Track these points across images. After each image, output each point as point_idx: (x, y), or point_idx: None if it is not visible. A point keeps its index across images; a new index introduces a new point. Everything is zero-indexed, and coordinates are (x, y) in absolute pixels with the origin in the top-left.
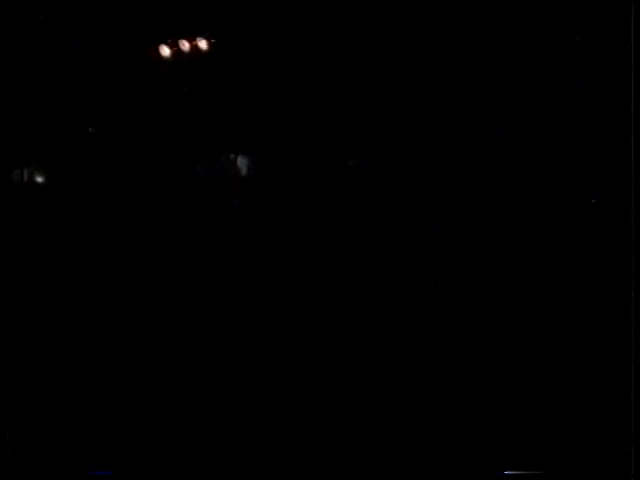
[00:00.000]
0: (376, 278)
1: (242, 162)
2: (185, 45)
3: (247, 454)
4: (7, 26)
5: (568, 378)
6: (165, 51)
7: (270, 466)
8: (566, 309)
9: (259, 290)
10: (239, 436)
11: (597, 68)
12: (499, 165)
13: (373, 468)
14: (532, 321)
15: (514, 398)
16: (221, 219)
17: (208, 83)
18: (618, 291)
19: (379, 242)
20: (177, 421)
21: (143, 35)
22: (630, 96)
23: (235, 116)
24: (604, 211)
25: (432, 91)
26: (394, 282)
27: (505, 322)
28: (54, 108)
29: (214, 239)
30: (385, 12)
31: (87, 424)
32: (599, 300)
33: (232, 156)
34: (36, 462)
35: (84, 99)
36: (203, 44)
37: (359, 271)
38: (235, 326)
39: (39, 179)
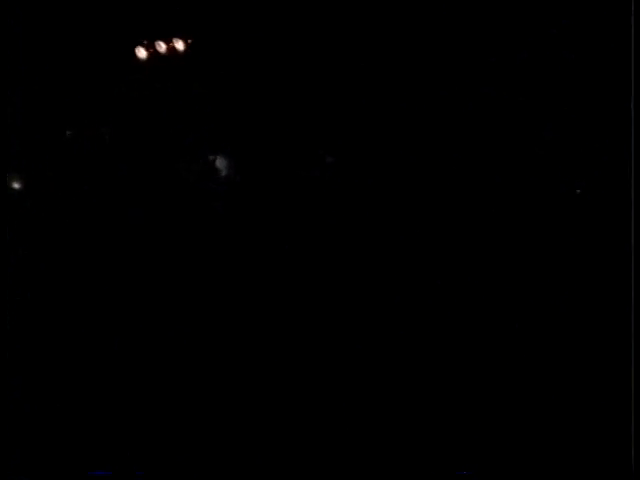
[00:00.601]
0: (363, 277)
1: (222, 163)
2: (162, 47)
3: (247, 454)
4: None
5: (567, 376)
6: (142, 53)
7: (270, 466)
8: (564, 306)
9: (251, 291)
10: (240, 436)
11: (595, 66)
12: (495, 163)
13: (373, 467)
14: (528, 316)
15: (513, 398)
16: (205, 220)
17: (186, 84)
18: (617, 288)
19: (367, 238)
20: (178, 422)
21: (119, 37)
22: (630, 96)
23: (214, 117)
24: (602, 207)
25: (419, 87)
26: (382, 281)
27: (502, 319)
28: (32, 112)
29: (199, 239)
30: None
31: (87, 424)
32: (599, 298)
33: (212, 157)
34: (37, 463)
35: (63, 102)
36: (180, 45)
37: (346, 269)
38: (227, 327)
39: (19, 184)
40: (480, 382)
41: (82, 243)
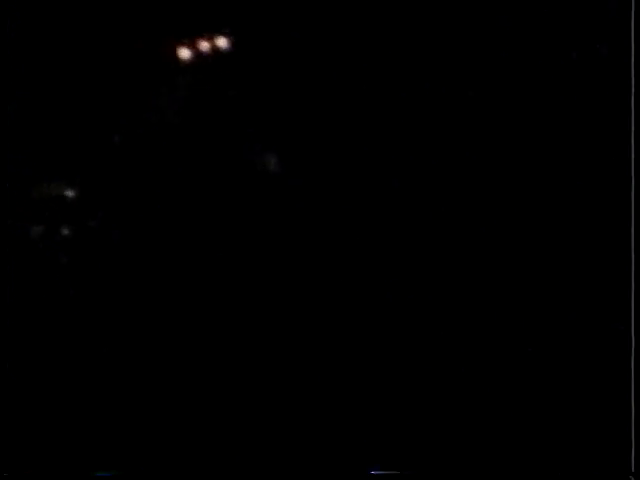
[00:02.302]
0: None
1: (270, 161)
2: (204, 45)
3: (249, 455)
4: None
5: (566, 374)
6: (184, 53)
7: (271, 467)
8: (564, 306)
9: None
10: (241, 438)
11: (595, 65)
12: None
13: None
14: (528, 316)
15: (512, 398)
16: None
17: (229, 84)
18: (617, 288)
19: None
20: (179, 423)
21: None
22: (630, 96)
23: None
24: (602, 207)
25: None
26: (382, 281)
27: (502, 319)
28: (63, 116)
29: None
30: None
31: (90, 426)
32: (599, 298)
33: (262, 156)
34: (38, 463)
35: (109, 105)
36: (222, 42)
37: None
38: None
39: (64, 191)
40: (480, 382)
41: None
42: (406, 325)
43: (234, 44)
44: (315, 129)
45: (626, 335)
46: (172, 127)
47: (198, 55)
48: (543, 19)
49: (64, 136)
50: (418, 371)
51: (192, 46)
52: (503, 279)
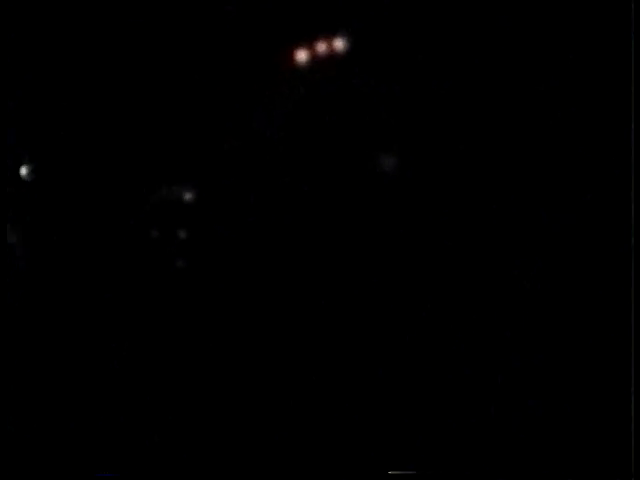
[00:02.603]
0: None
1: (388, 163)
2: (322, 47)
3: (251, 458)
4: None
5: (566, 376)
6: (301, 56)
7: (272, 468)
8: (563, 306)
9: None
10: (243, 440)
11: (595, 65)
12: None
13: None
14: (528, 316)
15: (514, 400)
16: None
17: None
18: (617, 288)
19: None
20: (182, 425)
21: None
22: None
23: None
24: (602, 207)
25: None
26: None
27: (501, 320)
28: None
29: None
30: None
31: (92, 427)
32: (599, 298)
33: (380, 157)
34: (40, 464)
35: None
36: (340, 44)
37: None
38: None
39: (183, 194)
40: (481, 383)
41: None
42: (410, 328)
43: (351, 45)
44: (431, 129)
45: (626, 336)
46: (287, 131)
47: (313, 58)
48: (543, 19)
49: (182, 142)
50: (426, 374)
51: (308, 49)
52: (503, 280)
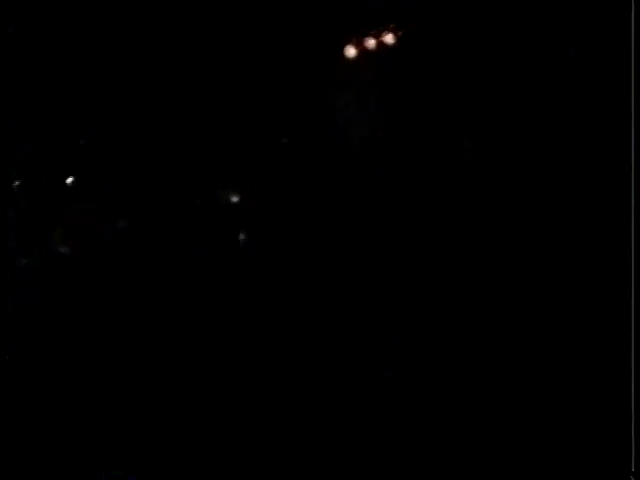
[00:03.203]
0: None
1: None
2: (371, 42)
3: (253, 458)
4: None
5: (566, 375)
6: (351, 51)
7: (273, 469)
8: (563, 306)
9: None
10: (245, 440)
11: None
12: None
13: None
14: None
15: (514, 400)
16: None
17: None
18: (617, 288)
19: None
20: (184, 425)
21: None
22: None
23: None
24: (602, 207)
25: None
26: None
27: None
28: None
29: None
30: None
31: (95, 427)
32: (599, 299)
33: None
34: (42, 465)
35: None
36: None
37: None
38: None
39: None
40: (480, 382)
41: None
42: (410, 328)
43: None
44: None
45: (626, 336)
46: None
47: (384, 49)
48: (543, 19)
49: (239, 144)
50: (426, 374)
51: (378, 39)
52: (503, 281)
